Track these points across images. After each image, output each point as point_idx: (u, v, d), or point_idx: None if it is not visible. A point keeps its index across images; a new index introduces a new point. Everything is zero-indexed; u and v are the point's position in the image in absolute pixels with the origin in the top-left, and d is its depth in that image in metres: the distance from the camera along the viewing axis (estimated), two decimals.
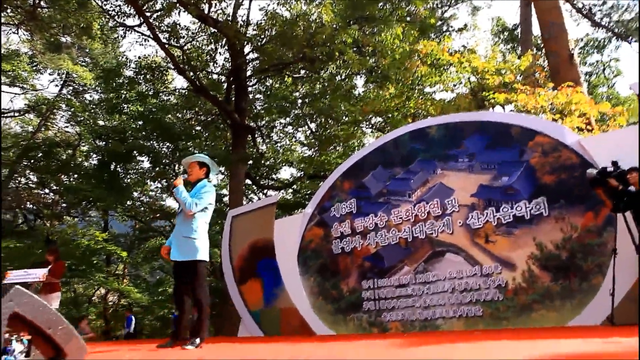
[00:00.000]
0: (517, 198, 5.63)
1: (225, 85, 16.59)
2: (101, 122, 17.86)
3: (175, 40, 15.65)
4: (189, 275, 4.19)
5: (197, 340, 3.99)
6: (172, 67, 16.08)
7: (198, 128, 18.44)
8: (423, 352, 2.94)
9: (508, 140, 5.88)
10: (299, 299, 7.54)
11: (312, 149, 18.66)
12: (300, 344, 4.42)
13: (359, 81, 17.77)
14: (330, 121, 16.30)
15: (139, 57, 17.42)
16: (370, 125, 16.57)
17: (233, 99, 15.93)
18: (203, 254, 4.21)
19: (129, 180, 18.42)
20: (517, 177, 5.71)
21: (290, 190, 20.34)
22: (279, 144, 20.05)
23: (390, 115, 12.11)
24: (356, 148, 15.46)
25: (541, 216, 5.42)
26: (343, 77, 15.67)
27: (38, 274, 7.37)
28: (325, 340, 5.01)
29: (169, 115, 17.21)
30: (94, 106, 18.48)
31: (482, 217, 5.83)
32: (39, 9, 13.21)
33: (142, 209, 18.89)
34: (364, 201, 7.21)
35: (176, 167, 17.56)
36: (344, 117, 15.24)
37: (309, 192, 17.67)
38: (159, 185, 19.48)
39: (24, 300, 1.83)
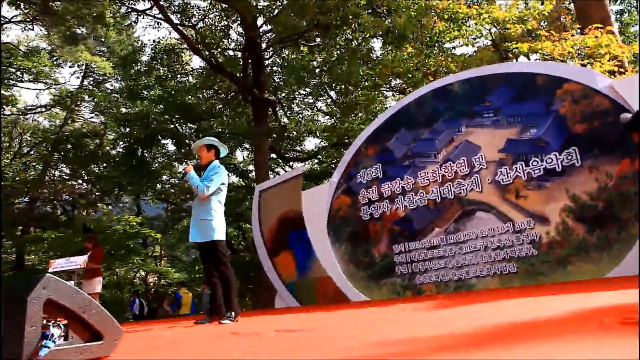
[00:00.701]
0: (547, 150, 5.44)
1: (241, 60, 16.49)
2: (124, 110, 18.10)
3: (187, 20, 15.54)
4: (211, 255, 4.28)
5: (232, 314, 4.09)
6: (187, 48, 16.03)
7: (219, 106, 18.47)
8: (458, 312, 2.91)
9: (534, 91, 5.65)
10: (332, 267, 7.60)
11: (334, 118, 18.50)
12: (336, 311, 4.46)
13: (376, 44, 17.35)
14: (350, 87, 16.05)
15: (154, 41, 17.44)
16: (390, 88, 16.25)
17: (251, 73, 15.83)
18: (220, 234, 4.33)
19: (156, 165, 18.75)
20: (546, 128, 5.50)
21: (316, 161, 20.33)
22: (300, 115, 19.96)
23: (410, 76, 11.80)
24: (378, 113, 15.22)
25: (574, 167, 5.24)
26: (359, 41, 15.31)
27: (79, 261, 7.66)
28: (360, 307, 5.04)
29: (189, 96, 17.28)
30: (115, 94, 18.72)
31: (511, 173, 5.68)
32: (51, 3, 13.28)
33: (172, 191, 19.26)
34: (389, 165, 7.12)
35: None
36: (363, 82, 14.96)
37: (334, 161, 17.62)
38: (184, 166, 19.75)
39: (56, 287, 1.88)
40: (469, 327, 1.89)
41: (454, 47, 13.58)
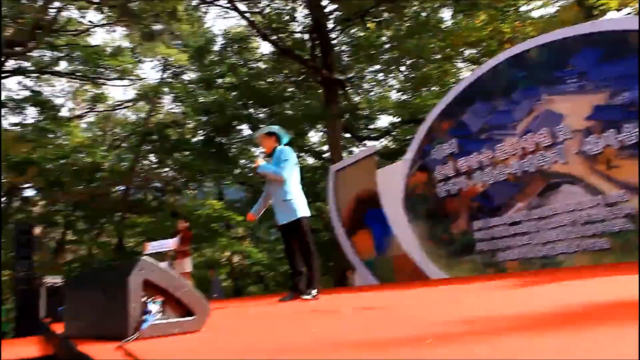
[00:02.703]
0: None
1: (309, 42, 16.56)
2: (201, 99, 18.94)
3: (254, 6, 15.82)
4: (296, 233, 4.40)
5: (313, 292, 4.21)
6: (256, 34, 16.35)
7: (290, 89, 18.76)
8: (542, 290, 2.81)
9: (625, 50, 5.15)
10: (410, 245, 7.58)
11: (406, 93, 18.11)
12: (414, 289, 4.46)
13: (446, 14, 16.60)
14: (421, 61, 15.58)
15: (224, 31, 18.01)
16: (464, 59, 15.55)
17: (319, 55, 15.87)
18: (303, 211, 4.42)
19: (234, 150, 19.51)
20: None
21: (390, 138, 20.08)
22: (371, 93, 19.74)
23: (484, 45, 11.18)
24: (451, 86, 14.66)
25: None
26: (428, 13, 14.73)
27: (170, 244, 8.28)
28: (440, 284, 5.00)
29: (261, 82, 17.70)
30: (192, 85, 19.63)
31: (601, 142, 5.26)
32: (129, 4, 14.16)
33: (251, 174, 19.98)
34: (465, 140, 6.90)
35: None
36: (434, 55, 14.44)
37: (408, 137, 17.31)
38: (262, 150, 20.31)
39: (152, 268, 2.06)
40: (553, 307, 1.83)
41: (531, 10, 12.64)
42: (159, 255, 8.06)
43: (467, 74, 15.33)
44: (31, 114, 19.21)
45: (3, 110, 18.09)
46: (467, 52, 14.48)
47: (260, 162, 4.59)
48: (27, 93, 18.70)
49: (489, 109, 6.53)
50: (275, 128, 4.75)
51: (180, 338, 1.91)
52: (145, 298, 2.05)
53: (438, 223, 7.27)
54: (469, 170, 6.77)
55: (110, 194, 18.42)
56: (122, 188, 19.39)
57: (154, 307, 2.06)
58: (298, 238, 4.41)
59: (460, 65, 16.47)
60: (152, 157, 20.87)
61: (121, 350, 1.52)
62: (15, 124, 18.58)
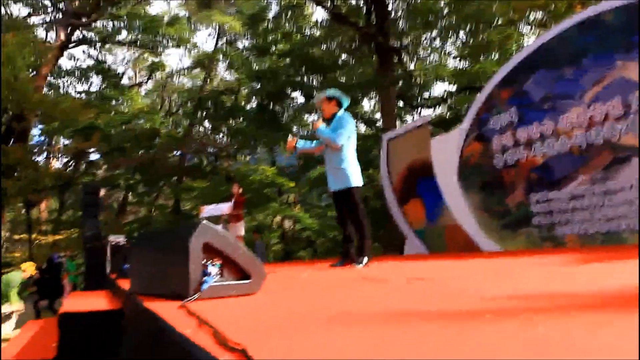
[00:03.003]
0: None
1: (364, 9, 16.15)
2: (255, 66, 19.08)
3: None
4: (347, 201, 4.42)
5: (364, 260, 4.25)
6: (310, 0, 16.11)
7: (344, 56, 18.49)
8: (606, 268, 2.69)
9: None
10: (463, 215, 7.44)
11: (465, 60, 17.38)
12: (467, 260, 4.40)
13: None
14: (481, 26, 14.82)
15: None
16: (528, 23, 14.63)
17: (374, 21, 15.46)
18: (356, 180, 4.41)
19: (286, 117, 19.64)
20: None
21: (445, 107, 19.49)
22: (428, 60, 19.13)
23: (553, 7, 10.43)
24: (513, 52, 13.89)
25: None
26: None
27: (224, 208, 8.56)
28: (493, 257, 4.89)
29: (314, 49, 17.55)
30: (246, 52, 19.78)
31: None
32: None
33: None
34: (525, 109, 6.59)
35: None
36: (496, 19, 13.67)
37: (465, 106, 16.73)
38: (315, 118, 20.35)
39: (211, 232, 2.14)
40: (619, 286, 1.75)
41: None
42: (214, 219, 8.36)
43: (532, 39, 14.47)
44: (95, 82, 20.12)
45: (71, 79, 19.08)
46: (532, 16, 13.59)
47: (320, 125, 4.56)
48: (91, 62, 19.58)
49: (554, 76, 6.15)
50: (336, 92, 4.68)
51: (237, 300, 1.99)
52: (204, 260, 2.14)
53: (493, 194, 7.07)
54: (529, 140, 6.49)
55: (167, 158, 19.19)
56: (179, 153, 20.13)
57: (213, 269, 2.15)
58: (349, 206, 4.44)
59: (524, 30, 15.55)
60: (207, 124, 21.43)
61: (183, 309, 1.61)
62: (81, 92, 19.58)
